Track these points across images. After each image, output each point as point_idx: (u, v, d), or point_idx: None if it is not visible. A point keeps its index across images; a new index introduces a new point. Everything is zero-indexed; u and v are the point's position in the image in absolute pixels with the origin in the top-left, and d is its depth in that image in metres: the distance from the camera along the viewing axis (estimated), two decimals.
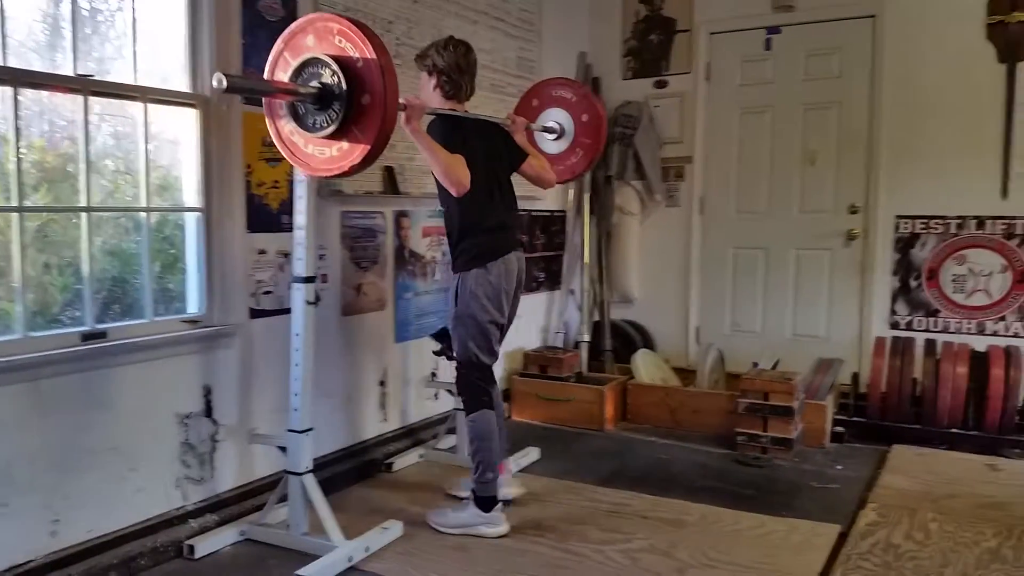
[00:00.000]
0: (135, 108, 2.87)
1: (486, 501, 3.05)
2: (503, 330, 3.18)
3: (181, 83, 3.02)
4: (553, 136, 3.78)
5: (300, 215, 2.79)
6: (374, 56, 2.37)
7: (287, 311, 3.04)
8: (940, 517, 3.16)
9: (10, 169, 2.48)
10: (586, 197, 5.40)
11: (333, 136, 2.47)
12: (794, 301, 5.18)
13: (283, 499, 2.93)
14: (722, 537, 3.04)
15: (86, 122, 2.68)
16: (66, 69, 2.64)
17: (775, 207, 5.21)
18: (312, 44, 2.48)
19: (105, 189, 2.85)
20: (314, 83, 2.45)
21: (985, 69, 4.57)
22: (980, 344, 4.32)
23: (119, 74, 2.83)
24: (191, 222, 3.10)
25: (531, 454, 3.92)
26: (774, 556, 2.88)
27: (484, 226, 3.05)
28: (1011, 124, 4.52)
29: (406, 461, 3.85)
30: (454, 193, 2.86)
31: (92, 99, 2.71)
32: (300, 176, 2.78)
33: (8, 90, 2.46)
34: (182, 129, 3.05)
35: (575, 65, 5.50)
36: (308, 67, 2.47)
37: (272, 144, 3.17)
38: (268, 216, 3.25)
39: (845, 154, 4.98)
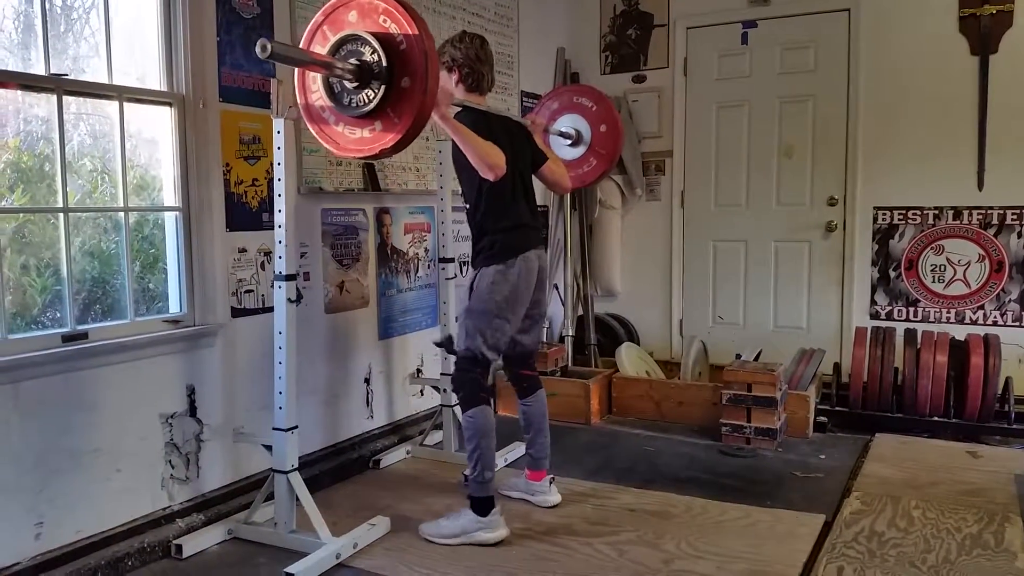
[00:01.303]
0: (111, 107, 2.85)
1: (483, 503, 2.93)
2: (515, 326, 3.08)
3: (157, 81, 3.00)
4: (568, 141, 3.75)
5: (280, 213, 2.78)
6: (420, 38, 2.30)
7: (269, 310, 3.03)
8: (923, 504, 3.19)
9: None
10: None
11: (367, 116, 2.41)
12: (775, 293, 5.22)
13: (270, 497, 2.92)
14: (708, 528, 3.06)
15: (60, 122, 2.65)
16: (39, 68, 2.61)
17: (753, 200, 5.25)
18: (354, 20, 2.41)
19: (83, 189, 2.82)
20: (353, 60, 2.38)
21: (959, 62, 4.62)
22: (959, 333, 4.37)
23: (95, 73, 2.80)
24: (170, 221, 3.08)
25: (517, 449, 3.91)
26: (760, 546, 2.89)
27: (505, 223, 2.99)
28: (985, 116, 4.58)
29: (393, 457, 3.84)
30: (490, 177, 2.79)
31: (67, 98, 2.68)
32: (280, 174, 2.76)
33: None
34: (159, 128, 3.02)
35: (554, 60, 5.51)
36: (348, 43, 2.40)
37: (250, 142, 3.19)
38: (248, 214, 3.23)
39: (822, 147, 5.02)
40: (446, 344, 3.65)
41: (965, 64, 4.61)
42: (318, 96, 2.55)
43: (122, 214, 2.89)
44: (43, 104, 2.63)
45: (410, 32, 2.33)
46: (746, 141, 5.24)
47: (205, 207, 3.07)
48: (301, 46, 2.57)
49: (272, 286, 2.86)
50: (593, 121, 3.72)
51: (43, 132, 2.66)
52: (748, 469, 3.77)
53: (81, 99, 2.77)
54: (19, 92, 2.57)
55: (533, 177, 3.27)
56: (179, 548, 2.82)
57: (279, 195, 2.77)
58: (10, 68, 2.55)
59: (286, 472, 2.84)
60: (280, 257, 2.78)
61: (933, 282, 4.80)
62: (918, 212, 4.80)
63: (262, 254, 3.28)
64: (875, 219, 4.91)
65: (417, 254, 4.24)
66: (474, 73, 3.04)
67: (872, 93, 4.85)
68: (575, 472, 3.69)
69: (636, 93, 5.52)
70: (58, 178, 2.67)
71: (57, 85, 2.63)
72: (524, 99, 5.14)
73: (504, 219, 3.00)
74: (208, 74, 3.04)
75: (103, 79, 2.81)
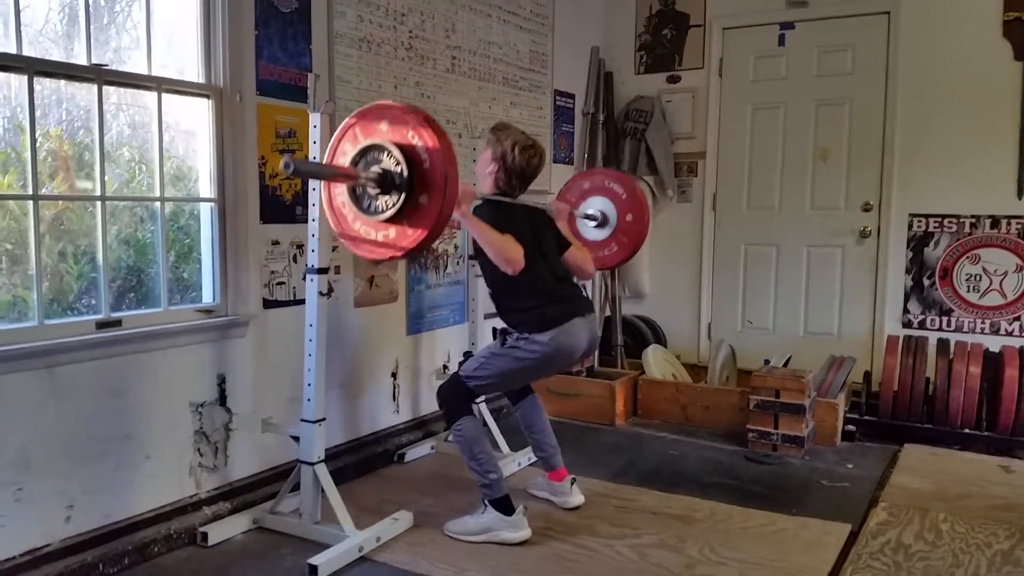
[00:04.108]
0: (150, 98, 2.88)
1: (502, 503, 2.93)
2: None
3: (196, 74, 3.03)
4: (594, 223, 3.76)
5: (314, 206, 2.80)
6: (442, 162, 2.36)
7: (300, 302, 3.05)
8: (952, 518, 3.15)
9: (26, 158, 2.49)
10: None
11: (384, 223, 2.47)
12: (806, 298, 5.17)
13: (295, 488, 2.95)
14: (731, 534, 3.04)
15: (100, 112, 2.69)
16: (82, 59, 2.65)
17: (787, 204, 5.20)
18: (385, 129, 2.48)
19: (120, 178, 2.86)
20: (376, 168, 2.45)
21: (1001, 67, 4.54)
22: (994, 344, 4.29)
23: (136, 64, 2.84)
24: (205, 212, 3.11)
25: (530, 451, 3.91)
26: (784, 554, 2.87)
27: (539, 297, 2.96)
28: None
29: (418, 453, 3.86)
30: (509, 271, 2.81)
31: (107, 89, 2.72)
32: None
33: (23, 78, 2.47)
34: (197, 119, 3.05)
35: (588, 59, 5.49)
36: (374, 150, 2.47)
37: (285, 136, 3.22)
38: (282, 207, 3.25)
39: (858, 151, 4.96)
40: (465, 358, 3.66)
41: (1007, 69, 4.52)
42: (341, 194, 2.60)
43: (158, 204, 2.93)
44: (84, 94, 2.68)
45: (434, 153, 2.38)
46: (781, 144, 5.19)
47: (240, 199, 3.11)
48: (332, 142, 2.63)
49: (304, 279, 2.88)
50: (621, 208, 3.72)
51: (83, 121, 2.70)
52: (774, 476, 3.74)
53: (121, 89, 2.81)
54: (61, 82, 2.62)
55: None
56: (205, 536, 2.86)
57: (313, 189, 2.79)
58: (54, 58, 2.59)
59: (312, 464, 2.86)
60: (312, 250, 2.80)
61: (968, 292, 4.72)
62: (954, 220, 4.73)
63: (294, 247, 3.31)
64: (910, 226, 4.84)
65: (447, 250, 4.25)
66: (510, 182, 3.05)
67: (910, 97, 4.78)
68: (598, 473, 3.68)
69: (670, 93, 5.48)
70: (97, 167, 2.71)
71: (97, 75, 2.67)
72: (557, 98, 5.13)
73: (533, 294, 2.96)
74: (246, 67, 3.07)
75: (143, 70, 2.85)
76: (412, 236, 2.43)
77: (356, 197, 2.53)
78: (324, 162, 2.66)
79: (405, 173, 2.40)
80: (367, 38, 3.60)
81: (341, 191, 2.61)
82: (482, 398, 3.64)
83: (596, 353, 5.06)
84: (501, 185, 3.06)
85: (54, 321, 2.60)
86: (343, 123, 2.62)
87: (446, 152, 2.39)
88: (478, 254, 3.00)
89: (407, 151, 2.40)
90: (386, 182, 2.44)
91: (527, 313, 2.95)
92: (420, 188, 2.40)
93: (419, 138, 2.41)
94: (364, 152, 2.50)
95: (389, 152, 2.43)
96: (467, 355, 3.73)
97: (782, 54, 5.15)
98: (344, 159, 2.58)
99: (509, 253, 2.80)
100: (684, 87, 5.46)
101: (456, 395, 3.05)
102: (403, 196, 2.41)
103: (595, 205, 3.75)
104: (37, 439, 2.49)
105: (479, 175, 3.13)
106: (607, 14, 5.64)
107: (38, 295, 2.53)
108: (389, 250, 2.50)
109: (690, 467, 3.86)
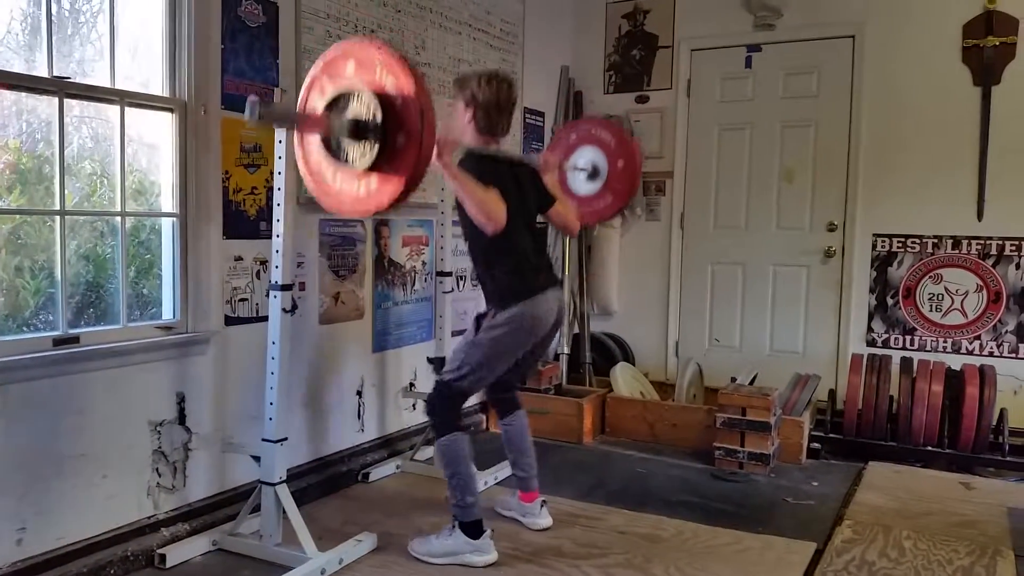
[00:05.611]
0: (113, 111, 2.84)
1: (471, 527, 2.88)
2: (517, 365, 3.09)
3: (160, 87, 2.99)
4: (585, 176, 3.72)
5: (279, 222, 2.77)
6: (414, 95, 2.29)
7: (263, 319, 3.01)
8: (915, 535, 3.18)
9: None
10: None
11: (364, 172, 2.39)
12: (772, 317, 5.22)
13: (256, 509, 2.89)
14: (698, 553, 3.04)
15: (61, 124, 2.64)
16: (44, 70, 2.60)
17: (753, 223, 5.25)
18: (351, 72, 2.40)
19: (81, 192, 2.81)
20: (348, 116, 2.36)
21: (961, 92, 4.64)
22: (955, 362, 4.36)
23: (100, 77, 2.80)
24: (167, 227, 3.06)
25: (507, 467, 3.89)
26: (749, 573, 2.87)
27: (509, 264, 2.93)
28: (986, 146, 4.59)
29: (383, 472, 3.82)
30: (488, 230, 2.73)
31: (69, 101, 2.68)
32: (280, 183, 2.75)
33: None
34: (160, 133, 3.01)
35: (558, 78, 5.52)
36: (343, 99, 2.39)
37: (250, 150, 3.19)
38: (245, 222, 3.21)
39: (822, 172, 5.03)
40: (436, 364, 3.62)
41: (967, 94, 4.63)
42: (316, 150, 2.54)
43: (119, 218, 2.88)
44: (45, 106, 2.63)
45: (406, 88, 2.32)
46: (747, 164, 5.25)
47: (203, 214, 3.06)
48: (300, 98, 2.58)
49: (267, 295, 2.84)
50: (611, 156, 3.67)
51: (44, 134, 2.65)
52: (740, 494, 3.75)
53: (83, 102, 2.76)
54: (22, 94, 2.57)
55: (546, 220, 3.22)
56: (162, 558, 2.79)
57: (278, 204, 2.76)
58: (15, 69, 2.54)
59: (273, 484, 2.81)
60: (276, 266, 2.76)
61: (930, 311, 4.79)
62: (917, 240, 4.80)
63: (258, 263, 3.26)
64: (874, 246, 4.91)
65: (414, 267, 4.22)
66: (488, 118, 2.98)
67: (874, 120, 4.86)
68: (566, 492, 3.66)
69: (638, 113, 5.53)
70: (56, 180, 2.65)
71: (59, 88, 2.63)
72: (527, 116, 5.15)
73: (508, 260, 2.93)
74: (211, 81, 3.04)
75: (106, 83, 2.80)
76: (396, 178, 2.33)
77: (332, 151, 2.43)
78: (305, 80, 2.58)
79: (379, 116, 2.29)
80: None
81: (316, 148, 2.51)
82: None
83: (564, 370, 5.06)
84: (483, 127, 2.98)
85: (9, 338, 2.53)
86: (309, 75, 2.54)
87: (419, 87, 2.29)
88: (460, 211, 2.93)
89: (378, 93, 2.30)
90: (359, 129, 2.34)
91: (500, 282, 2.91)
92: (396, 128, 2.30)
93: (390, 75, 2.32)
94: (333, 103, 2.40)
95: (359, 96, 2.33)
96: (435, 361, 3.66)
97: (749, 76, 5.22)
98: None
99: (491, 210, 2.71)
100: (652, 107, 5.51)
101: (445, 404, 2.98)
102: (379, 140, 2.30)
103: (585, 156, 3.69)
104: None
105: (460, 129, 3.02)
106: (577, 34, 5.68)
107: None
108: (373, 202, 2.40)
109: (657, 485, 3.86)
